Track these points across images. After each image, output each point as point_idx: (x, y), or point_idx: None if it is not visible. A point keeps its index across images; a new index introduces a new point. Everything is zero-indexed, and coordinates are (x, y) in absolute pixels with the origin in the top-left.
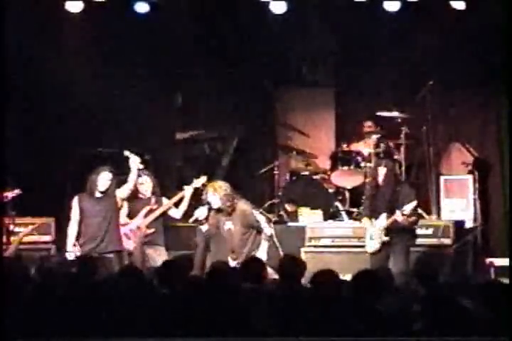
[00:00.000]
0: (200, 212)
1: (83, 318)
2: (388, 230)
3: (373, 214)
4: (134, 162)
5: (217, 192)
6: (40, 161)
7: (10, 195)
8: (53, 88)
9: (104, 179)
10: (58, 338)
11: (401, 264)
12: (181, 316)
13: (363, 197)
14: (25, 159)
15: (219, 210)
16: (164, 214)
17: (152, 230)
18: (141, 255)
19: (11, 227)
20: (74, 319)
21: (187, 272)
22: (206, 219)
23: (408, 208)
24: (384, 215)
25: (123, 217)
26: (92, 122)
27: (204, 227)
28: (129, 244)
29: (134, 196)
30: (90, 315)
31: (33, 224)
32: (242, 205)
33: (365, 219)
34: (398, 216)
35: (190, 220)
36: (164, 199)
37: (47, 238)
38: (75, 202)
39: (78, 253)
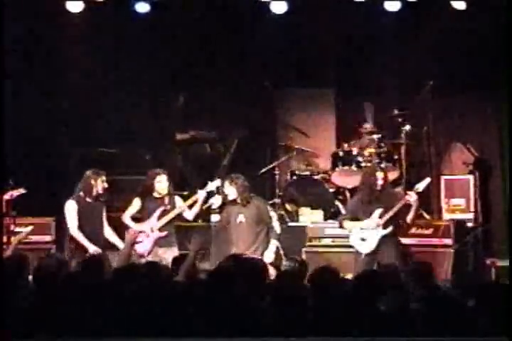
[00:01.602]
0: (215, 200)
1: (83, 318)
2: (385, 224)
3: (355, 216)
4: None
5: (234, 183)
6: (40, 161)
7: (15, 193)
8: (53, 88)
9: (104, 181)
10: (58, 338)
11: (394, 260)
12: (181, 316)
13: (351, 202)
14: (25, 159)
15: (233, 202)
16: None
17: (165, 233)
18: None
19: (11, 227)
20: (74, 319)
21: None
22: (219, 209)
23: (422, 186)
24: (378, 211)
25: (129, 215)
26: (92, 122)
27: (215, 217)
28: (141, 246)
29: (149, 194)
30: (90, 315)
31: (33, 224)
32: (257, 200)
33: (347, 222)
34: (411, 196)
35: (204, 207)
36: (177, 198)
37: (47, 238)
38: (73, 205)
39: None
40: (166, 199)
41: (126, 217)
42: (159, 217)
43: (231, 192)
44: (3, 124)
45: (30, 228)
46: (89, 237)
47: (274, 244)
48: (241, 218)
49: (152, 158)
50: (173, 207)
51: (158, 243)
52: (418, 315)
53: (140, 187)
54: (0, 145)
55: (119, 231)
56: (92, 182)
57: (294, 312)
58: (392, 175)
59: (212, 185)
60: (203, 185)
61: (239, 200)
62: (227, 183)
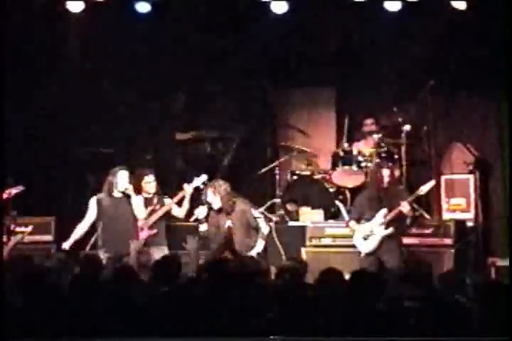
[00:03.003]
0: (201, 211)
1: (83, 318)
2: (388, 223)
3: (363, 216)
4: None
5: (217, 192)
6: (40, 161)
7: (14, 191)
8: (54, 88)
9: (123, 179)
10: (58, 338)
11: (396, 260)
12: (180, 315)
13: (358, 200)
14: (25, 159)
15: (219, 210)
16: (167, 214)
17: (155, 231)
18: (145, 255)
19: (12, 227)
20: (74, 319)
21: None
22: (206, 218)
23: (426, 188)
24: (383, 211)
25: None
26: (92, 122)
27: (203, 227)
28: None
29: (138, 195)
30: (90, 314)
31: (33, 224)
32: (241, 204)
33: (352, 223)
34: (404, 206)
35: (191, 219)
36: (166, 199)
37: (47, 238)
38: (93, 202)
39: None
40: (155, 199)
41: None
42: (148, 216)
43: (215, 201)
44: (3, 124)
45: (29, 228)
46: (112, 235)
47: (261, 244)
48: (228, 223)
49: (152, 158)
50: (163, 205)
51: (149, 242)
52: (418, 315)
53: None
54: (0, 145)
55: None
56: (110, 178)
57: (294, 311)
58: None
59: (198, 181)
60: (203, 184)
61: (224, 209)
62: (210, 192)
